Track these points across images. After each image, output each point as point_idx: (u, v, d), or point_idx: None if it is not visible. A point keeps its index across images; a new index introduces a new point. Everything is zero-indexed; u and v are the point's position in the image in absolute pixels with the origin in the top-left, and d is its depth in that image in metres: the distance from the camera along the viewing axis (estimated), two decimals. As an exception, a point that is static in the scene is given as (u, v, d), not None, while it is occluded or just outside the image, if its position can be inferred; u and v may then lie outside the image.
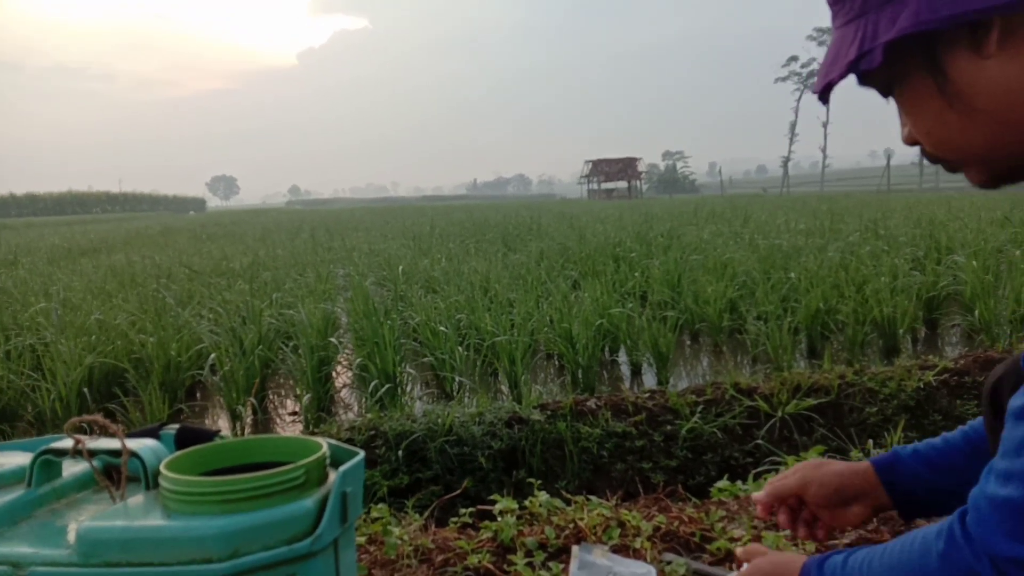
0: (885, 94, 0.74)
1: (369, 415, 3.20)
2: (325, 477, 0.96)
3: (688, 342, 5.77)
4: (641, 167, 59.47)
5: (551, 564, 1.54)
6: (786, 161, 55.53)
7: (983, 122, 0.66)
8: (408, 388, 4.42)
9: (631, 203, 32.72)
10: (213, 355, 4.54)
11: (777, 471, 2.31)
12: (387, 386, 4.03)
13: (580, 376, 4.47)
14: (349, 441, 2.85)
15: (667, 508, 1.86)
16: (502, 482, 2.82)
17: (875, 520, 1.73)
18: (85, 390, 4.14)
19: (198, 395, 4.88)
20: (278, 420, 4.43)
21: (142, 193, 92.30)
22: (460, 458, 2.83)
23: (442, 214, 25.45)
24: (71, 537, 0.85)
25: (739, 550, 1.11)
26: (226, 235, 18.63)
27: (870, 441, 2.64)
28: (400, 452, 2.81)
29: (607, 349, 5.19)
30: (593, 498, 1.89)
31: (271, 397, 4.80)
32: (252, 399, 4.20)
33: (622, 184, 56.43)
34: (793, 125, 56.16)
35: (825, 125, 52.82)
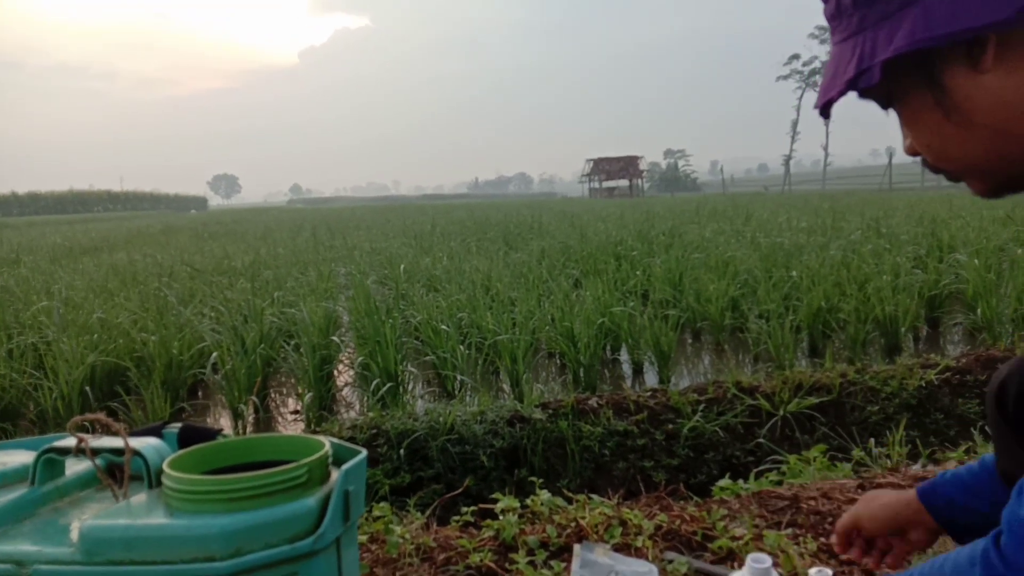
0: (885, 107, 0.75)
1: (371, 414, 3.20)
2: (327, 476, 0.96)
3: (690, 341, 5.77)
4: (643, 165, 59.37)
5: (553, 563, 1.54)
6: (788, 159, 55.43)
7: (981, 135, 0.67)
8: (410, 387, 4.42)
9: (633, 201, 32.70)
10: (215, 354, 4.55)
11: (779, 470, 2.31)
12: (389, 385, 4.03)
13: (582, 375, 4.47)
14: (351, 440, 2.86)
15: (669, 507, 1.86)
16: (504, 481, 2.83)
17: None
18: (87, 389, 4.14)
19: (200, 394, 4.89)
20: (280, 419, 4.44)
21: (143, 192, 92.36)
22: (462, 457, 2.84)
23: (443, 213, 25.44)
24: (74, 535, 0.86)
25: None
26: (228, 234, 18.63)
27: (871, 440, 2.64)
28: (402, 451, 2.81)
29: (608, 348, 5.19)
30: (595, 497, 1.89)
31: (273, 396, 4.80)
32: (254, 398, 4.20)
33: (623, 183, 56.35)
34: (795, 123, 56.07)
35: (827, 123, 52.76)
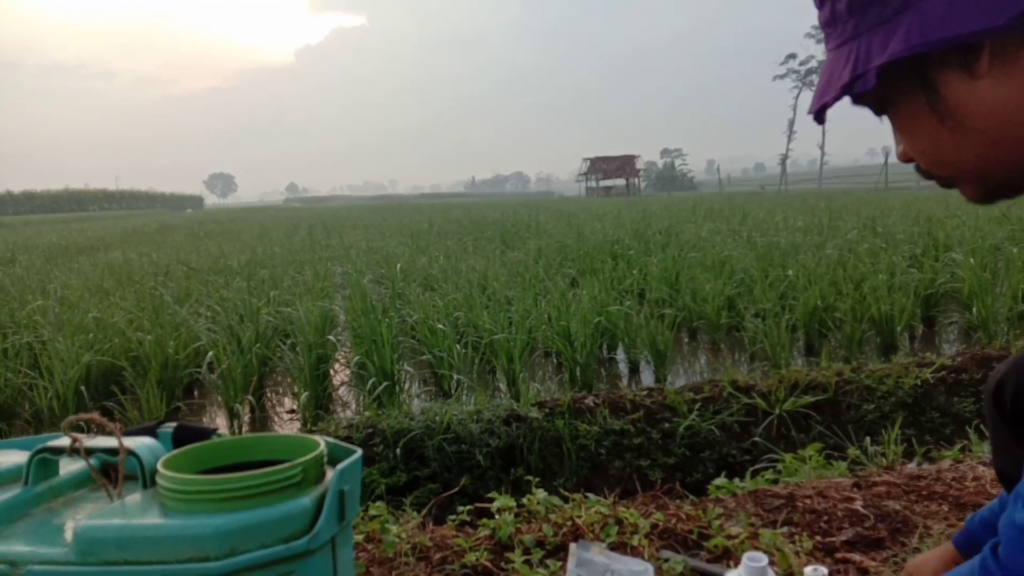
0: (879, 113, 0.76)
1: (367, 413, 3.20)
2: (322, 475, 0.96)
3: (686, 340, 5.77)
4: (639, 165, 59.43)
5: (549, 562, 1.54)
6: (784, 159, 55.49)
7: (975, 140, 0.67)
8: (406, 386, 4.42)
9: (629, 201, 32.72)
10: (211, 353, 4.54)
11: (774, 468, 2.32)
12: (385, 384, 4.03)
13: (578, 374, 4.47)
14: (347, 439, 2.86)
15: (665, 506, 1.86)
16: (500, 480, 2.83)
17: (872, 517, 1.73)
18: (83, 388, 4.13)
19: (196, 393, 4.88)
20: (276, 418, 4.43)
21: (139, 191, 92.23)
22: (458, 456, 2.84)
23: (440, 212, 25.43)
24: (68, 535, 0.85)
25: None
26: (224, 233, 18.60)
27: (867, 438, 2.64)
28: (398, 450, 2.81)
29: (605, 347, 5.19)
30: (591, 496, 1.89)
31: (269, 395, 4.79)
32: (250, 397, 4.20)
33: (620, 182, 56.41)
34: (791, 123, 56.10)
35: (823, 123, 52.52)
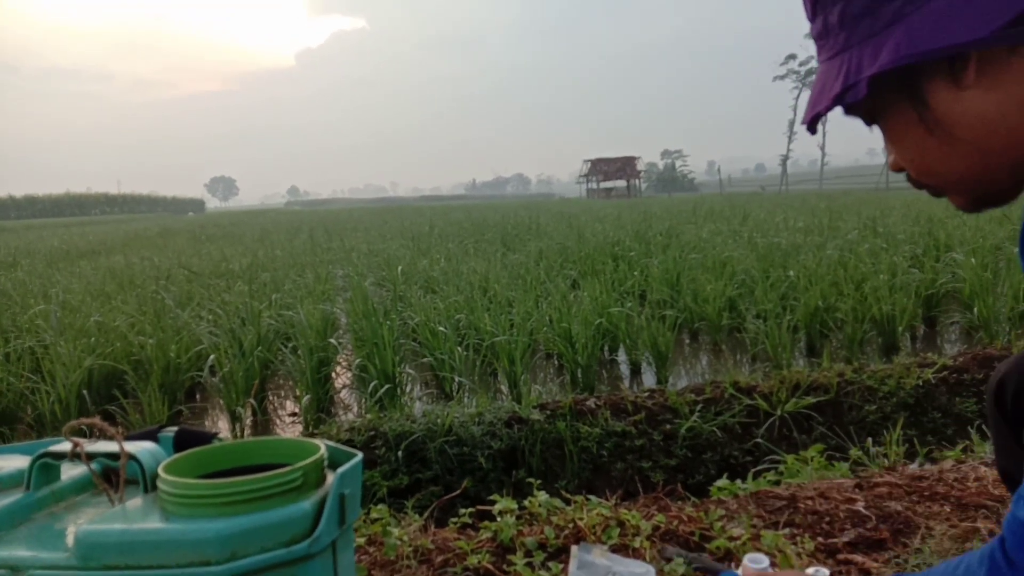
0: (869, 123, 0.77)
1: (369, 416, 3.20)
2: (323, 479, 0.96)
3: (687, 341, 5.77)
4: (640, 166, 59.45)
5: (551, 564, 1.54)
6: (785, 159, 55.49)
7: (963, 150, 0.69)
8: (407, 388, 4.42)
9: (630, 202, 32.72)
10: (212, 356, 4.54)
11: (776, 470, 2.31)
12: (386, 386, 4.03)
13: (579, 376, 4.47)
14: (349, 442, 2.86)
15: (666, 507, 1.86)
16: (502, 482, 2.83)
17: (874, 518, 1.73)
18: (84, 392, 4.14)
19: (198, 397, 4.88)
20: (278, 421, 4.43)
21: (140, 195, 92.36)
22: (460, 458, 2.84)
23: (441, 214, 25.44)
24: (70, 540, 0.86)
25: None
26: (225, 236, 18.62)
27: (869, 439, 2.64)
28: (400, 452, 2.81)
29: (606, 348, 5.19)
30: (592, 498, 1.89)
31: (271, 398, 4.79)
32: (252, 400, 4.20)
33: (621, 183, 56.40)
34: (792, 123, 56.06)
35: (823, 124, 52.45)
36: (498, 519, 1.76)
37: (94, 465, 1.01)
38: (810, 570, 1.28)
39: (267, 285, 7.37)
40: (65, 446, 0.98)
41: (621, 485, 2.81)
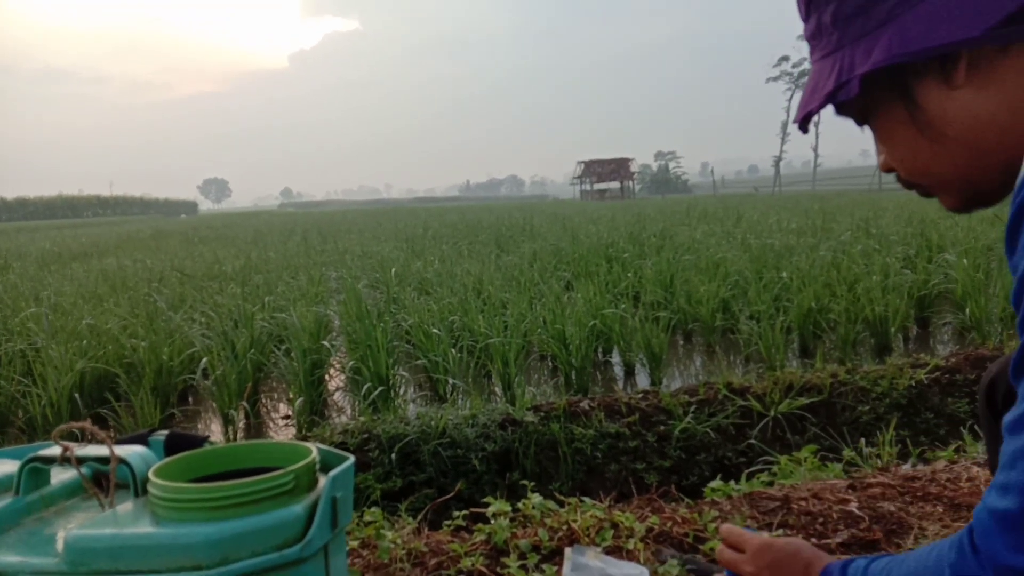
0: (860, 123, 0.78)
1: (362, 418, 3.19)
2: (315, 482, 0.96)
3: (681, 342, 5.78)
4: (633, 167, 59.54)
5: (544, 566, 1.54)
6: (778, 161, 55.63)
7: (953, 149, 0.70)
8: (401, 391, 4.41)
9: (624, 204, 32.77)
10: (205, 359, 4.52)
11: (770, 471, 2.32)
12: (380, 389, 4.02)
13: (573, 377, 4.47)
14: (342, 444, 2.85)
15: (660, 509, 1.86)
16: (496, 484, 2.82)
17: (867, 519, 1.73)
18: (76, 395, 4.11)
19: (190, 399, 4.86)
20: (271, 424, 4.42)
21: (133, 197, 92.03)
22: (453, 460, 2.83)
23: (435, 216, 25.43)
24: (59, 545, 0.85)
25: (723, 527, 1.15)
26: (218, 238, 18.57)
27: (862, 440, 2.65)
28: (393, 455, 2.80)
29: (600, 350, 5.19)
30: (586, 499, 1.89)
31: (264, 401, 4.78)
32: (244, 403, 4.18)
33: (615, 185, 56.49)
34: (785, 124, 56.21)
35: (816, 125, 52.86)
36: (492, 521, 1.75)
37: (84, 469, 1.00)
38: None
39: (260, 287, 7.35)
40: (55, 450, 0.98)
41: (615, 487, 2.81)
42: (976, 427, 2.69)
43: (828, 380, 3.32)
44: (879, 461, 2.36)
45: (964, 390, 3.32)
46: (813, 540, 1.65)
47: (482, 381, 4.75)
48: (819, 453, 2.40)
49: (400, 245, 12.43)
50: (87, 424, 1.01)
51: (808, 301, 5.22)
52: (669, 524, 1.73)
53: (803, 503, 1.86)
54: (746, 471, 2.50)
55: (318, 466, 0.98)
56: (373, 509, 1.83)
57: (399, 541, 1.68)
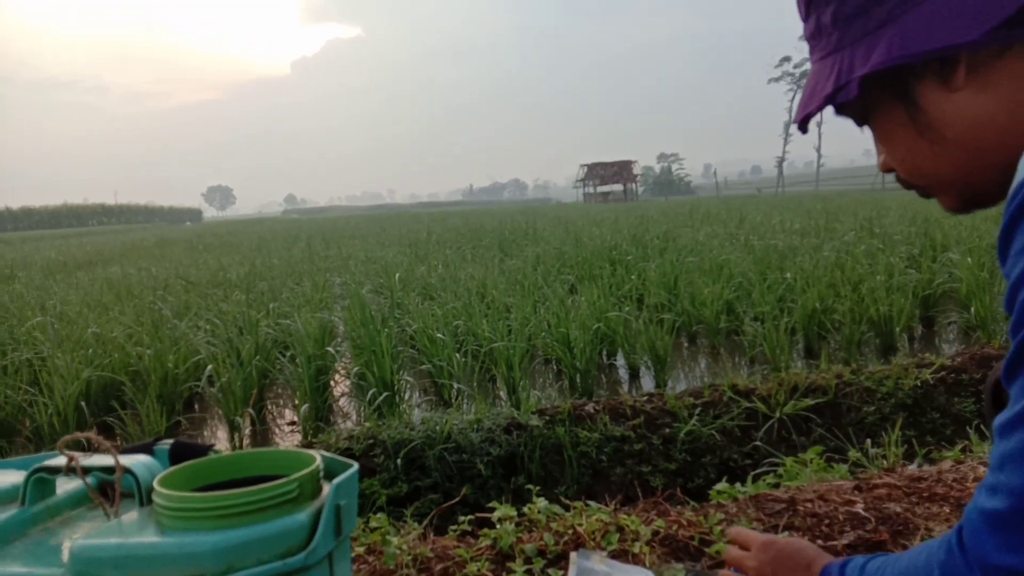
0: (860, 123, 0.78)
1: (367, 424, 3.20)
2: (319, 490, 0.96)
3: (685, 344, 5.77)
4: (636, 170, 59.58)
5: (550, 571, 1.54)
6: (781, 161, 55.61)
7: (952, 151, 0.70)
8: (406, 396, 4.41)
9: (627, 206, 32.77)
10: (210, 367, 4.54)
11: (775, 472, 2.31)
12: (385, 394, 4.03)
13: (578, 380, 4.47)
14: (347, 450, 2.85)
15: (666, 512, 1.86)
16: (501, 489, 2.82)
17: (873, 520, 1.73)
18: (83, 404, 4.13)
19: (196, 407, 4.87)
20: (276, 430, 4.42)
21: (138, 205, 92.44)
22: (459, 465, 2.83)
23: (438, 220, 25.46)
24: (65, 555, 0.85)
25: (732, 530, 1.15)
26: (222, 245, 18.61)
27: (868, 440, 2.64)
28: (399, 460, 2.81)
29: (604, 353, 5.19)
30: (592, 503, 1.89)
31: (269, 407, 4.79)
32: (250, 410, 4.19)
33: (618, 187, 56.52)
34: (787, 125, 56.16)
35: (819, 125, 52.86)
36: (497, 526, 1.75)
37: (89, 479, 1.00)
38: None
39: (265, 294, 7.36)
40: (60, 460, 0.98)
41: (620, 490, 2.81)
42: (982, 426, 2.68)
43: (833, 381, 3.31)
44: (885, 462, 2.35)
45: (970, 389, 3.31)
46: (819, 542, 1.65)
47: (487, 385, 4.75)
48: (825, 454, 2.39)
49: (404, 250, 12.45)
50: (92, 434, 1.01)
51: (812, 302, 5.21)
52: (675, 527, 1.72)
53: (809, 505, 1.85)
54: (752, 473, 2.49)
55: (322, 473, 0.98)
56: (379, 515, 1.84)
57: (405, 547, 1.69)
